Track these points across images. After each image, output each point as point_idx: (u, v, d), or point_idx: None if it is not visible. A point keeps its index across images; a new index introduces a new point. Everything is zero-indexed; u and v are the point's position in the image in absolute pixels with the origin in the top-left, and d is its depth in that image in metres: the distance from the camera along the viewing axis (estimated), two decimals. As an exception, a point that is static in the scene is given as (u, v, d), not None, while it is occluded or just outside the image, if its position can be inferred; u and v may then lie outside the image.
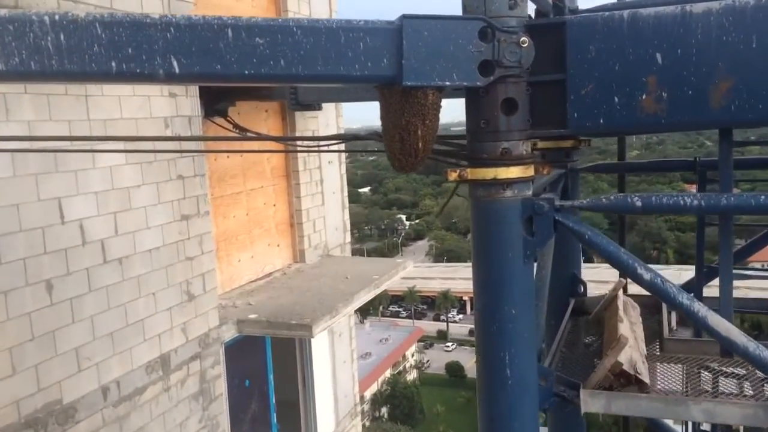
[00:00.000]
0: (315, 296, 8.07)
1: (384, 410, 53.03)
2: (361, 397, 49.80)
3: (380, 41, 2.50)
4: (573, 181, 4.56)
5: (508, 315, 2.79)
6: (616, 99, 2.60)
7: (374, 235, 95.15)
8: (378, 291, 9.05)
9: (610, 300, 4.15)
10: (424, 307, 69.67)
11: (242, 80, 2.49)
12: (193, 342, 6.63)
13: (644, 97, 2.56)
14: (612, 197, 2.75)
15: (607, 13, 2.61)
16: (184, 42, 2.36)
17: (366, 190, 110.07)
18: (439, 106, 2.67)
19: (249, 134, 7.55)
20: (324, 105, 9.57)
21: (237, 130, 7.71)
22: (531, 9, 3.26)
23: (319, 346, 10.40)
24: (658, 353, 3.61)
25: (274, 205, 9.52)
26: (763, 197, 2.49)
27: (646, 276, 2.65)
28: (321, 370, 10.49)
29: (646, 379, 3.05)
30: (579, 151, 4.57)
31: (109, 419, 5.57)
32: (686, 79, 2.51)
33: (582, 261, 4.75)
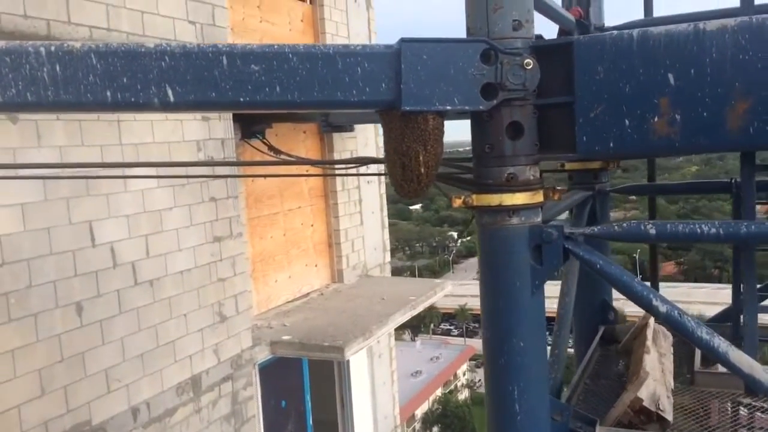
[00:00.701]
0: (350, 318, 8.02)
1: (435, 430, 52.43)
2: (412, 416, 49.05)
3: (378, 66, 2.44)
4: (602, 204, 4.40)
5: (516, 348, 2.66)
6: (627, 122, 2.47)
7: (425, 252, 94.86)
8: (414, 312, 8.94)
9: (640, 328, 3.97)
10: (476, 325, 68.96)
11: (237, 108, 2.46)
12: (225, 363, 6.64)
13: (656, 119, 2.42)
14: (625, 224, 2.61)
15: (615, 32, 2.49)
16: (179, 70, 2.34)
17: (418, 207, 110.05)
18: (442, 131, 2.59)
19: (282, 156, 7.58)
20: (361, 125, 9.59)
21: (272, 152, 7.76)
22: (545, 29, 3.19)
23: (358, 366, 10.33)
24: (688, 386, 3.42)
25: (312, 225, 9.54)
26: (780, 225, 2.33)
27: (662, 309, 2.50)
28: (360, 391, 10.41)
29: (669, 417, 2.88)
30: (607, 173, 4.42)
31: (138, 440, 5.61)
32: (701, 100, 2.36)
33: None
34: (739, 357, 2.42)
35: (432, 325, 68.77)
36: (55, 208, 4.91)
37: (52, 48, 2.29)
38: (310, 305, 8.81)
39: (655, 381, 3.19)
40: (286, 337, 7.32)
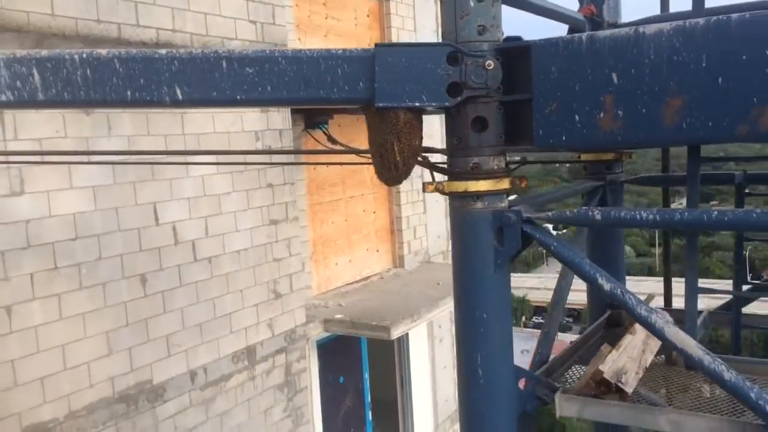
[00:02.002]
0: (402, 300, 8.41)
1: (518, 421, 51.62)
2: None
3: (356, 67, 2.80)
4: (614, 194, 4.56)
5: (479, 319, 2.97)
6: (577, 117, 2.72)
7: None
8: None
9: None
10: (569, 319, 67.58)
11: (235, 105, 2.89)
12: (279, 337, 7.19)
13: (602, 115, 2.67)
14: (576, 210, 2.87)
15: (567, 36, 2.75)
16: (186, 73, 2.78)
17: (512, 197, 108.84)
18: (414, 125, 2.91)
19: (338, 147, 8.03)
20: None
21: (331, 143, 8.23)
22: (534, 31, 3.42)
23: (418, 349, 10.71)
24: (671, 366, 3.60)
25: (374, 212, 9.97)
26: (715, 213, 2.53)
27: (606, 286, 2.75)
28: (420, 373, 10.78)
29: (629, 390, 3.11)
30: (621, 163, 4.57)
31: (195, 401, 6.23)
32: (640, 98, 2.59)
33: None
34: (674, 332, 2.64)
35: (524, 318, 67.98)
36: (122, 190, 5.56)
37: (84, 55, 2.78)
38: (368, 288, 9.27)
39: (630, 358, 3.41)
40: (338, 316, 7.81)
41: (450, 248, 9.40)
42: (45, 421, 5.04)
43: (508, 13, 4.25)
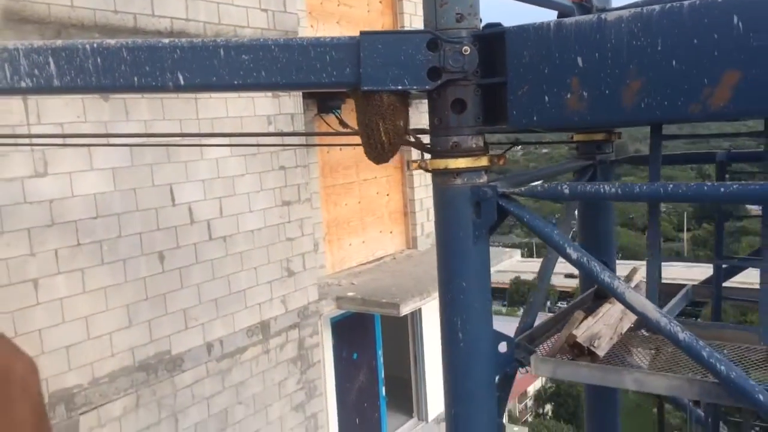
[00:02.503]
0: (413, 279, 8.66)
1: (548, 407, 51.84)
2: (524, 392, 48.43)
3: (343, 54, 3.04)
4: (604, 173, 4.75)
5: (459, 287, 3.22)
6: (547, 98, 2.94)
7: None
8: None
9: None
10: (563, 304, 67.03)
11: (233, 89, 3.16)
12: (292, 313, 7.50)
13: (569, 96, 2.87)
14: (546, 185, 3.09)
15: (538, 23, 2.96)
16: (188, 60, 3.04)
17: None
18: (397, 107, 3.14)
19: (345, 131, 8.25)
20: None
21: (342, 127, 8.47)
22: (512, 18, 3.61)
23: (432, 326, 10.96)
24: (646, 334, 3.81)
25: (388, 195, 10.22)
26: (671, 186, 2.74)
27: (574, 255, 2.98)
28: (433, 351, 11.04)
29: (600, 353, 3.34)
30: (611, 144, 4.75)
31: (212, 371, 6.57)
32: (603, 80, 2.79)
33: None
34: (634, 297, 2.86)
35: (548, 303, 67.84)
36: (140, 172, 5.87)
37: (95, 45, 3.06)
38: (380, 268, 9.53)
39: (606, 325, 3.64)
40: (350, 294, 8.09)
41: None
42: (70, 387, 5.40)
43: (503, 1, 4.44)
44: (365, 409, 9.74)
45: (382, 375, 10.10)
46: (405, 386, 10.89)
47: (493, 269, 9.69)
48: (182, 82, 3.03)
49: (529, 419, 46.60)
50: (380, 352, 10.02)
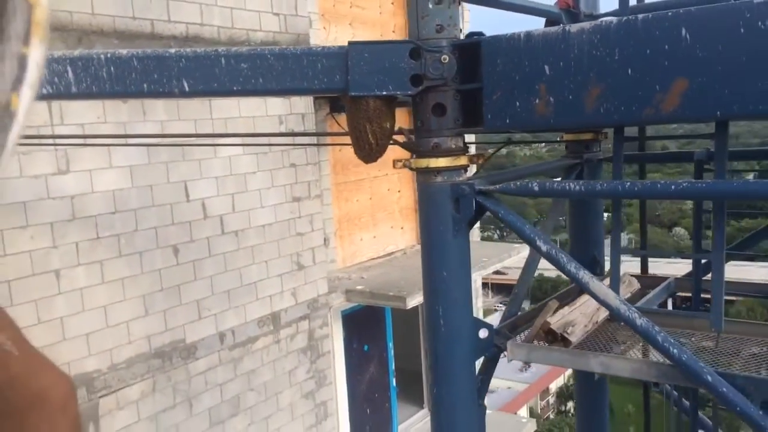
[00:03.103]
0: (421, 274, 8.91)
1: (570, 405, 51.61)
2: (546, 389, 48.18)
3: (333, 62, 3.32)
4: (591, 171, 4.97)
5: (440, 277, 3.49)
6: (518, 103, 3.19)
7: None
8: (485, 272, 9.71)
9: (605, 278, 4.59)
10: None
11: (233, 95, 3.47)
12: (302, 305, 7.81)
13: (537, 101, 3.13)
14: (519, 183, 3.35)
15: (511, 33, 3.21)
16: (192, 68, 3.34)
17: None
18: (383, 111, 3.42)
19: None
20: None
21: (341, 127, 8.74)
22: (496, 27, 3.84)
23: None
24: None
25: (399, 191, 10.49)
26: (628, 184, 2.98)
27: (544, 247, 3.23)
28: (443, 345, 11.30)
29: (574, 339, 3.59)
30: (598, 143, 4.97)
31: (224, 360, 6.90)
32: (567, 86, 3.04)
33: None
34: (598, 286, 3.11)
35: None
36: (156, 169, 6.21)
37: (108, 54, 3.36)
38: (391, 262, 9.81)
39: (582, 314, 3.88)
40: (359, 287, 8.38)
41: (475, 226, 9.85)
42: (90, 372, 5.75)
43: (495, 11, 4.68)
44: (376, 400, 10.03)
45: (393, 367, 10.38)
46: (416, 379, 11.16)
47: (509, 265, 9.83)
48: (187, 89, 3.33)
49: (551, 416, 46.45)
50: (391, 345, 10.31)
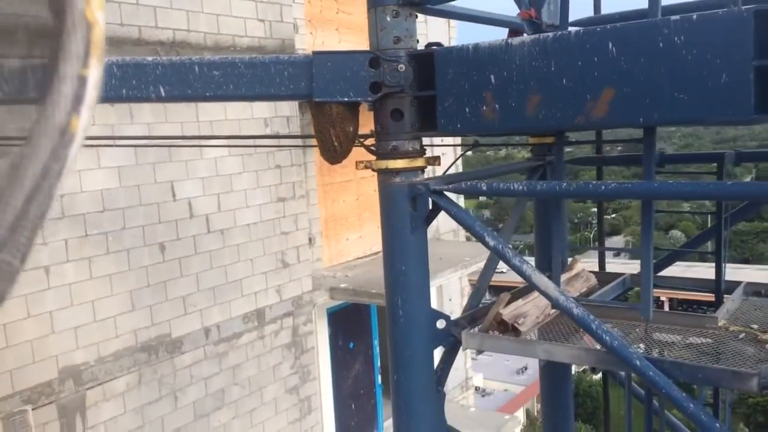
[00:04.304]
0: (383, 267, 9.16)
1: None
2: None
3: (298, 70, 3.58)
4: (555, 172, 5.23)
5: (399, 270, 3.75)
6: (467, 109, 3.45)
7: (567, 228, 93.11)
8: (466, 271, 9.97)
9: (567, 275, 4.85)
10: None
11: (206, 100, 3.71)
12: (287, 302, 8.06)
13: (484, 108, 3.39)
14: (469, 183, 3.60)
15: (460, 45, 3.47)
16: (167, 75, 3.59)
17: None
18: (346, 116, 3.69)
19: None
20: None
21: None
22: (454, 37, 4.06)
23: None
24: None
25: (385, 193, 10.74)
26: (564, 184, 3.24)
27: (491, 242, 3.49)
28: (429, 343, 11.55)
29: (524, 329, 3.84)
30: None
31: (210, 354, 7.15)
32: (510, 94, 3.30)
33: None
34: (539, 278, 3.37)
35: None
36: (143, 170, 6.46)
37: (90, 63, 3.63)
38: (376, 261, 10.06)
39: (535, 306, 4.14)
40: (343, 285, 8.64)
41: (459, 226, 10.09)
42: (78, 364, 6.01)
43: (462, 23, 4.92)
44: (361, 396, 10.29)
45: (378, 364, 10.64)
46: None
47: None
48: (163, 94, 3.58)
49: (548, 418, 46.36)
50: (376, 342, 10.56)
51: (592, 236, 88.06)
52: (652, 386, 3.17)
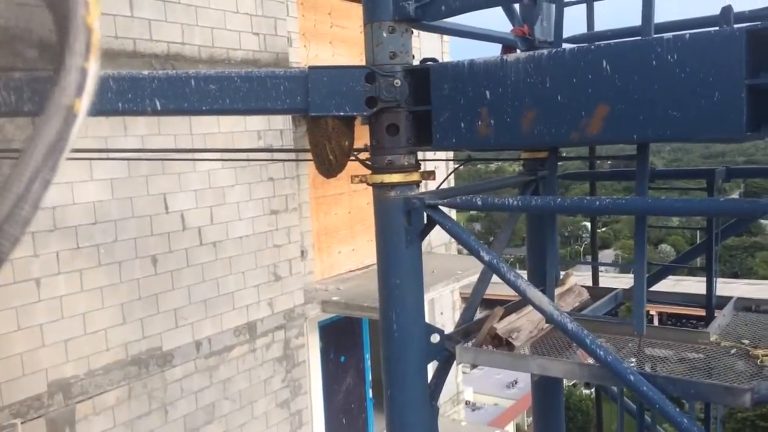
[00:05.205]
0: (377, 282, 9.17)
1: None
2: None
3: (295, 84, 3.60)
4: (547, 187, 5.26)
5: (394, 284, 3.75)
6: (462, 124, 3.48)
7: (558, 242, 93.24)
8: (458, 285, 9.98)
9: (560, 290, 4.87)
10: None
11: (202, 114, 3.73)
12: (279, 315, 8.04)
13: (480, 123, 3.41)
14: (464, 198, 3.63)
15: (456, 61, 3.51)
16: (164, 89, 3.60)
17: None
18: (342, 130, 3.70)
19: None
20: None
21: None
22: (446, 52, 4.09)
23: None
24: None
25: (377, 206, 10.75)
26: (559, 199, 3.27)
27: (486, 257, 3.50)
28: (420, 357, 11.53)
29: (517, 344, 3.85)
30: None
31: (200, 368, 7.12)
32: (505, 110, 3.33)
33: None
34: (533, 293, 3.38)
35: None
36: (136, 182, 6.45)
37: (86, 76, 3.63)
38: (368, 274, 10.06)
39: (529, 321, 4.15)
40: (335, 298, 8.63)
41: (451, 240, 10.17)
42: (67, 377, 5.96)
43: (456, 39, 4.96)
44: (352, 410, 10.24)
45: (370, 378, 10.60)
46: (393, 389, 11.36)
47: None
48: (159, 108, 3.59)
49: (536, 433, 46.33)
50: (368, 356, 10.53)
51: (582, 250, 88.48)
52: (646, 401, 3.18)
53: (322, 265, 9.59)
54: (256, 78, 3.61)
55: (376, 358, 10.66)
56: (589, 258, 5.40)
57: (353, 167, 3.97)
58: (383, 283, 3.81)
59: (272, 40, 7.87)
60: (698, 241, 4.75)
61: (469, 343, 3.99)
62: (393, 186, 3.69)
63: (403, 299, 3.76)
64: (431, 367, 4.06)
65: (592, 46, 3.07)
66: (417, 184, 3.76)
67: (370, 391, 10.61)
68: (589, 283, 5.18)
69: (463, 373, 16.65)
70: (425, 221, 3.71)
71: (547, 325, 4.28)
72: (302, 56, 8.86)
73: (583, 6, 4.94)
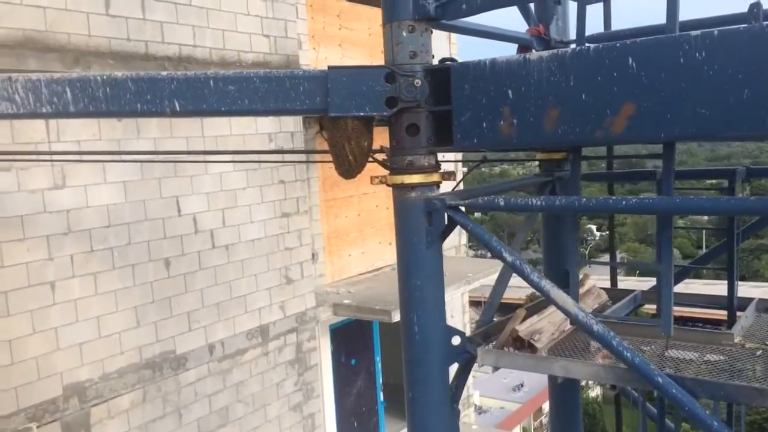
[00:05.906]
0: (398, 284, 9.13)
1: (563, 425, 51.03)
2: (539, 409, 48.28)
3: (314, 85, 3.57)
4: (568, 187, 5.21)
5: (414, 286, 3.71)
6: (484, 124, 3.44)
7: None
8: (469, 287, 9.93)
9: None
10: None
11: (221, 115, 3.70)
12: (291, 318, 8.01)
13: (502, 122, 3.38)
14: (486, 198, 3.59)
15: (477, 60, 3.47)
16: (182, 90, 3.58)
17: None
18: (361, 130, 3.67)
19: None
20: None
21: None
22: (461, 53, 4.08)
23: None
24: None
25: (387, 208, 10.72)
26: (584, 200, 3.23)
27: (509, 258, 3.47)
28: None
29: (539, 345, 3.82)
30: (569, 162, 5.22)
31: (214, 371, 7.09)
32: (528, 109, 3.29)
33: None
34: (558, 294, 3.35)
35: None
36: (149, 185, 6.44)
37: (104, 77, 3.61)
38: (378, 277, 10.03)
39: (551, 323, 4.11)
40: (346, 301, 8.60)
41: (462, 243, 10.16)
42: (82, 381, 5.94)
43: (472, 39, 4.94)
44: (363, 413, 10.21)
45: (380, 381, 10.56)
46: (404, 393, 11.31)
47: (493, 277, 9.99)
48: (178, 108, 3.57)
49: (543, 435, 46.37)
50: (378, 359, 10.50)
51: (587, 252, 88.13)
52: (675, 404, 3.14)
53: (333, 267, 9.56)
54: (275, 78, 3.58)
55: (386, 361, 10.63)
56: (606, 259, 5.34)
57: (367, 168, 3.94)
58: (404, 284, 3.77)
59: (283, 42, 7.86)
60: (705, 244, 4.73)
61: (491, 345, 3.96)
62: (413, 187, 3.65)
63: (424, 301, 3.72)
64: (451, 370, 4.03)
65: (618, 44, 3.03)
66: (437, 184, 3.73)
67: (381, 394, 10.58)
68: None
69: (473, 376, 16.62)
70: (446, 222, 3.68)
71: (568, 327, 4.25)
72: (311, 58, 8.85)
73: (594, 7, 4.90)
